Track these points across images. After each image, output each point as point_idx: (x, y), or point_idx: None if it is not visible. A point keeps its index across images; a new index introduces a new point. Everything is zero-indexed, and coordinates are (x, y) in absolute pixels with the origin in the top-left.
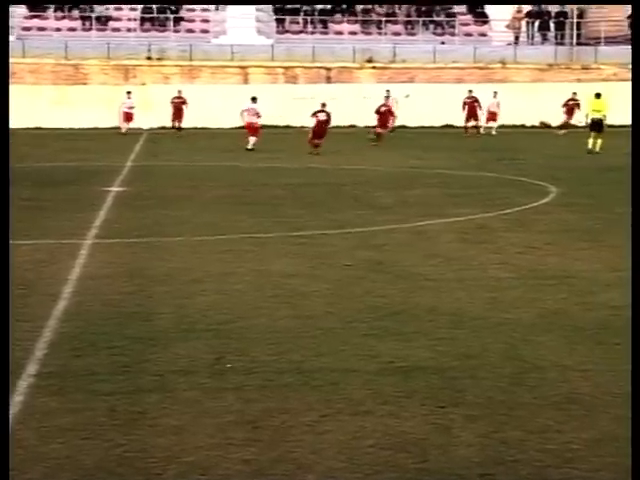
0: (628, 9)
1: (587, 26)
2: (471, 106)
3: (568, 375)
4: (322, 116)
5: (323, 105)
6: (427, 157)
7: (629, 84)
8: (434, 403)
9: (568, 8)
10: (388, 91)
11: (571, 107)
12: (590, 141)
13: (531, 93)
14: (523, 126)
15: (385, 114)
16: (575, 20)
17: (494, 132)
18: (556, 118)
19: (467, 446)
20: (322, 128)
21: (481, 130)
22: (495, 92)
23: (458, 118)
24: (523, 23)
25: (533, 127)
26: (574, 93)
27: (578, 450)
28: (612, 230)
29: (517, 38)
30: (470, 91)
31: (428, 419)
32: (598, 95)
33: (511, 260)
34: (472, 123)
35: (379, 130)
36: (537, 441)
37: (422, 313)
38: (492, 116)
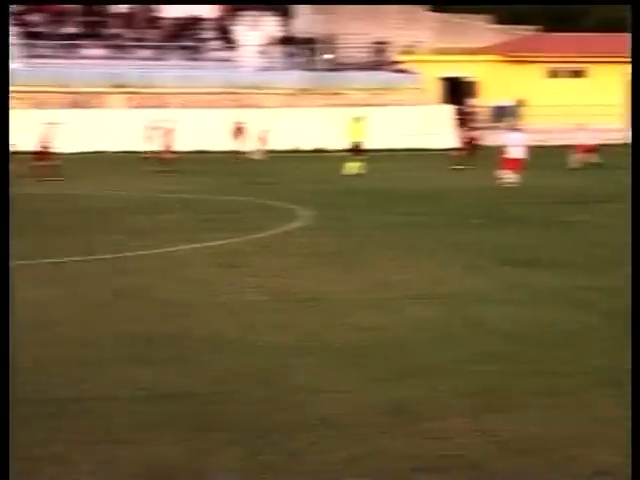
0: (374, 36)
1: (336, 52)
2: (238, 130)
3: (322, 397)
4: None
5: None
6: (182, 182)
7: (378, 109)
8: (192, 428)
9: (317, 34)
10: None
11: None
12: (349, 164)
13: (282, 118)
14: (273, 151)
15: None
16: (324, 46)
17: (260, 156)
18: (308, 142)
19: (227, 470)
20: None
21: (253, 155)
22: (264, 118)
23: (210, 142)
24: (274, 49)
25: (286, 152)
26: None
27: (332, 471)
28: (362, 252)
29: (268, 64)
30: (238, 117)
31: (187, 445)
32: (358, 119)
33: (266, 283)
34: (240, 147)
35: (153, 155)
36: (295, 463)
37: (178, 338)
38: (262, 141)
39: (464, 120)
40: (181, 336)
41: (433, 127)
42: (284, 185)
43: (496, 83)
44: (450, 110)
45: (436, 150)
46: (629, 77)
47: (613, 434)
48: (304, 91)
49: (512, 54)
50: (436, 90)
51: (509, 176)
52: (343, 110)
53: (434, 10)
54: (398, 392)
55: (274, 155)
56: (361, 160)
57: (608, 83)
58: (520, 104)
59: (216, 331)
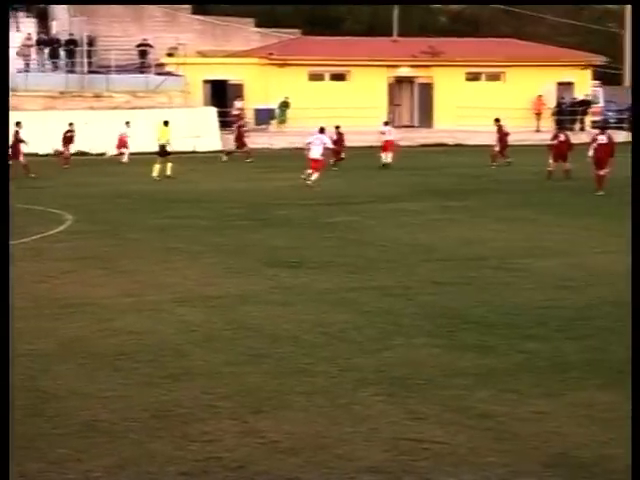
0: (137, 38)
1: (98, 54)
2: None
3: (88, 403)
4: None
5: None
6: None
7: (143, 112)
8: None
9: (78, 36)
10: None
11: (69, 137)
12: (157, 167)
13: (43, 121)
14: (37, 154)
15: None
16: (86, 48)
17: (125, 159)
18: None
19: None
20: None
21: (123, 158)
22: (127, 122)
23: None
24: (33, 50)
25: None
26: (70, 124)
27: (99, 477)
28: (128, 255)
29: (28, 65)
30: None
31: None
32: (166, 123)
33: (30, 290)
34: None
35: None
36: (58, 471)
37: None
38: (122, 144)
39: (230, 122)
40: None
41: (199, 130)
42: (51, 189)
43: (261, 86)
44: (215, 113)
45: (202, 152)
46: (390, 80)
47: (376, 431)
48: (65, 94)
49: (276, 57)
50: (201, 93)
51: (312, 175)
52: (107, 113)
53: (197, 13)
54: (166, 395)
55: (38, 160)
56: (169, 162)
57: (369, 86)
58: (285, 107)
59: None
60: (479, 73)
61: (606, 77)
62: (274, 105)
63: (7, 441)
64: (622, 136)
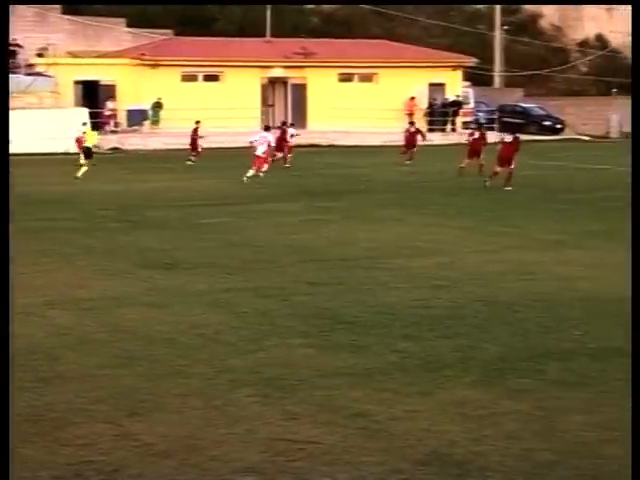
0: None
1: None
2: None
3: None
4: None
5: None
6: None
7: (15, 112)
8: None
9: None
10: None
11: None
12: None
13: None
14: None
15: None
16: None
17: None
18: None
19: None
20: None
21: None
22: None
23: None
24: None
25: None
26: None
27: None
28: None
29: None
30: None
31: None
32: (84, 124)
33: None
34: None
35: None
36: None
37: None
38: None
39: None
40: None
41: (70, 131)
42: None
43: (133, 86)
44: (87, 114)
45: (75, 154)
46: (264, 81)
47: (251, 432)
48: None
49: (148, 58)
50: (72, 93)
51: (257, 173)
52: None
53: (67, 12)
54: (38, 400)
55: None
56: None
57: (243, 87)
58: (158, 107)
59: None
60: (352, 74)
61: (476, 78)
62: (147, 106)
63: (7, 441)
64: (493, 136)
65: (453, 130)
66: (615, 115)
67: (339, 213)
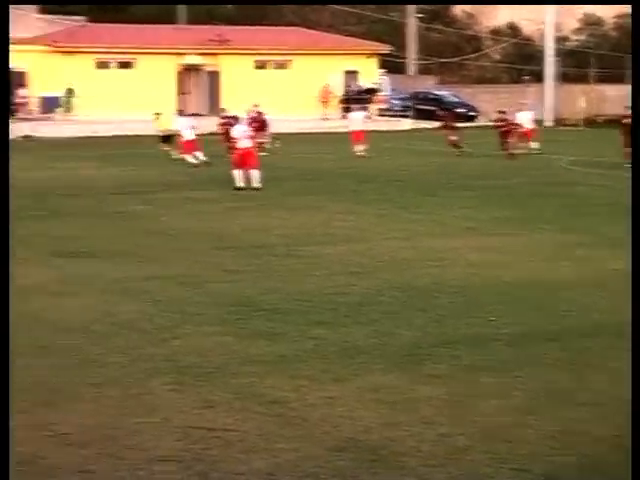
0: None
1: None
2: None
3: None
4: None
5: None
6: None
7: None
8: None
9: None
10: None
11: None
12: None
13: None
14: None
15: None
16: None
17: None
18: None
19: None
20: None
21: None
22: None
23: None
24: None
25: None
26: None
27: None
28: None
29: None
30: None
31: None
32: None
33: None
34: None
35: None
36: None
37: None
38: None
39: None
40: None
41: None
42: None
43: (46, 74)
44: None
45: None
46: (179, 68)
47: (167, 421)
48: None
49: (61, 45)
50: None
51: (190, 157)
52: None
53: None
54: None
55: None
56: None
57: (157, 74)
58: (70, 95)
59: None
60: (267, 61)
61: (391, 66)
62: (61, 93)
63: (7, 441)
64: (407, 124)
65: (368, 117)
66: (529, 102)
67: (254, 200)
